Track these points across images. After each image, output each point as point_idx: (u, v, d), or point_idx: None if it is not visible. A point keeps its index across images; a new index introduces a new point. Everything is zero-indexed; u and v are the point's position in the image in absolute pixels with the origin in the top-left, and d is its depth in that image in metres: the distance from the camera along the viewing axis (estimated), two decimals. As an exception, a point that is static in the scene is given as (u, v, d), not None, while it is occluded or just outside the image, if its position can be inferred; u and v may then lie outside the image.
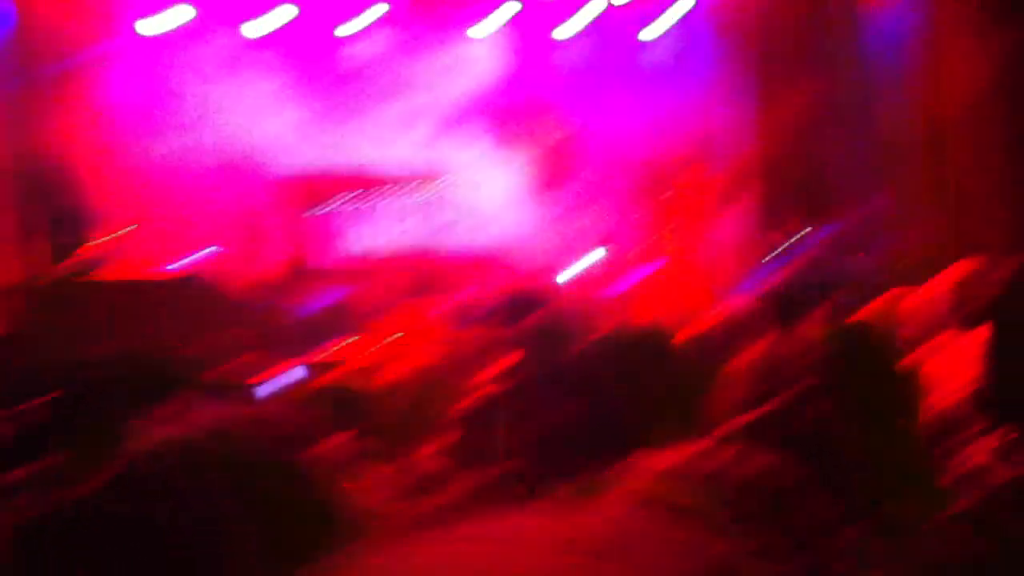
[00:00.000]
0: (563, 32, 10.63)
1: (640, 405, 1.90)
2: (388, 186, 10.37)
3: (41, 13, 8.53)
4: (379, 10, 10.14)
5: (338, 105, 10.12)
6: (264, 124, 9.75)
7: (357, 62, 10.35)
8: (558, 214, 10.50)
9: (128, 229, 9.30)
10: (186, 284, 7.17)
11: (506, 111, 10.57)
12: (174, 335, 5.20)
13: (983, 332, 1.38)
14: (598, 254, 9.62)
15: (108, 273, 8.38)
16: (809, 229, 9.74)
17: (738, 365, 2.47)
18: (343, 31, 10.25)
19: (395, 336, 8.09)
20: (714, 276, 8.62)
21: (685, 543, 0.65)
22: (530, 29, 10.67)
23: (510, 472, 2.08)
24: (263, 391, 3.47)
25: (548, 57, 10.75)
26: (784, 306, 2.32)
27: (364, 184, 10.32)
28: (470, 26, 10.38)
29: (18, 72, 8.80)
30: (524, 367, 2.36)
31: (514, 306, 2.81)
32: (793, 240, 9.74)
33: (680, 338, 2.77)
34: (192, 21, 9.81)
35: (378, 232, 10.61)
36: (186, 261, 8.37)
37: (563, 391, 2.00)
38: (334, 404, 2.77)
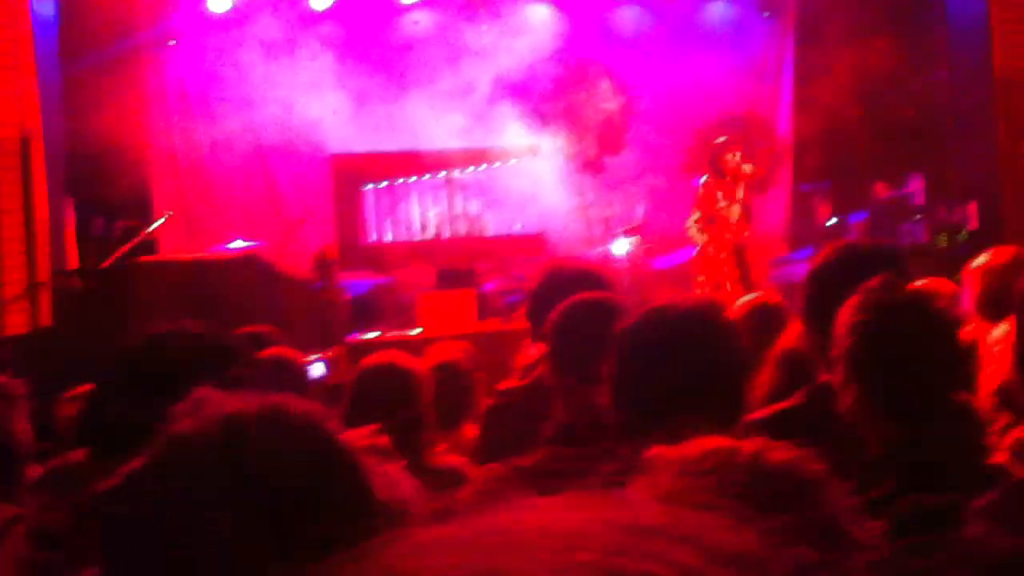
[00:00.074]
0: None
1: (687, 383, 1.87)
2: (439, 163, 10.37)
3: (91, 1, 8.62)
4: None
5: (392, 83, 10.14)
6: (319, 102, 9.80)
7: (411, 38, 10.36)
8: (606, 191, 10.45)
9: (181, 210, 9.44)
10: (245, 264, 7.25)
11: (557, 84, 10.51)
12: (233, 315, 5.26)
13: (1009, 326, 1.35)
14: (641, 233, 9.55)
15: (166, 254, 8.52)
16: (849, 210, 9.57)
17: (771, 352, 2.44)
18: (398, 3, 10.25)
19: (432, 321, 8.15)
20: (751, 258, 8.53)
21: (707, 536, 0.65)
22: (579, 2, 10.60)
23: (535, 464, 2.08)
24: (314, 371, 3.51)
25: (599, 26, 10.67)
26: (822, 290, 2.26)
27: (417, 161, 10.34)
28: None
29: (71, 57, 8.91)
30: (563, 345, 2.31)
31: (557, 282, 2.76)
32: (838, 220, 9.58)
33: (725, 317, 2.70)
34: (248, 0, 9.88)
35: (429, 210, 10.64)
36: (244, 241, 8.47)
37: (609, 370, 1.96)
38: (372, 388, 2.80)
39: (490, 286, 9.47)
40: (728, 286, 8.10)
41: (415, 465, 2.40)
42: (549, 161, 10.34)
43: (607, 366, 1.95)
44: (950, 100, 9.38)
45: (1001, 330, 1.96)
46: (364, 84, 10.08)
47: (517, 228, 10.54)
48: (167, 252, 8.72)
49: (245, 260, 7.39)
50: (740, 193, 8.43)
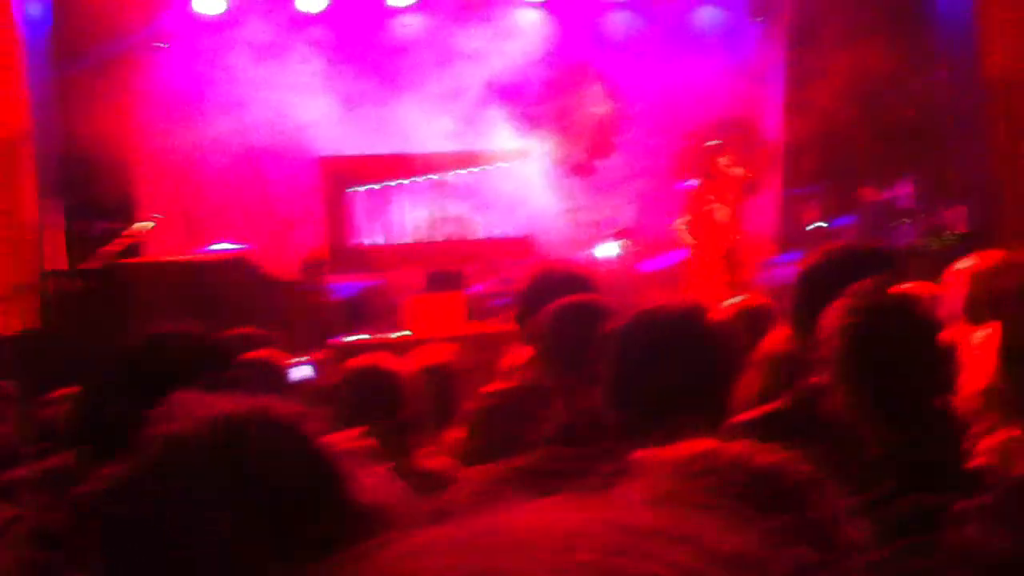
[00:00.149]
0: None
1: (676, 385, 1.87)
2: (429, 166, 10.37)
3: (82, 1, 8.59)
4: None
5: (381, 85, 10.14)
6: (309, 104, 9.79)
7: (401, 41, 10.36)
8: (595, 195, 10.46)
9: (171, 212, 9.41)
10: (234, 265, 7.24)
11: (547, 88, 10.53)
12: (222, 316, 5.25)
13: (993, 329, 1.37)
14: (630, 237, 9.58)
15: (155, 256, 8.50)
16: (837, 213, 9.60)
17: (758, 355, 2.45)
18: (388, 6, 10.27)
19: (421, 324, 8.15)
20: (741, 261, 8.56)
21: (707, 537, 0.65)
22: (571, 2, 10.62)
23: (532, 465, 2.08)
24: (299, 373, 3.51)
25: (590, 30, 10.70)
26: (810, 292, 2.27)
27: (406, 164, 10.34)
28: (513, 1, 10.35)
29: (62, 58, 8.88)
30: (555, 346, 2.32)
31: (546, 284, 2.76)
32: (822, 223, 9.62)
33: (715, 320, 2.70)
34: (238, 2, 9.87)
35: (418, 213, 10.64)
36: (232, 243, 8.45)
37: (600, 372, 1.97)
38: (359, 391, 2.80)
39: (478, 289, 9.48)
40: (717, 289, 8.12)
41: (402, 468, 2.39)
42: (538, 164, 10.35)
43: (598, 368, 1.96)
44: (944, 102, 9.42)
45: (983, 333, 1.97)
46: (354, 87, 10.07)
47: (506, 231, 10.55)
48: (156, 254, 8.70)
49: (234, 262, 7.39)
50: (731, 196, 8.46)
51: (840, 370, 1.92)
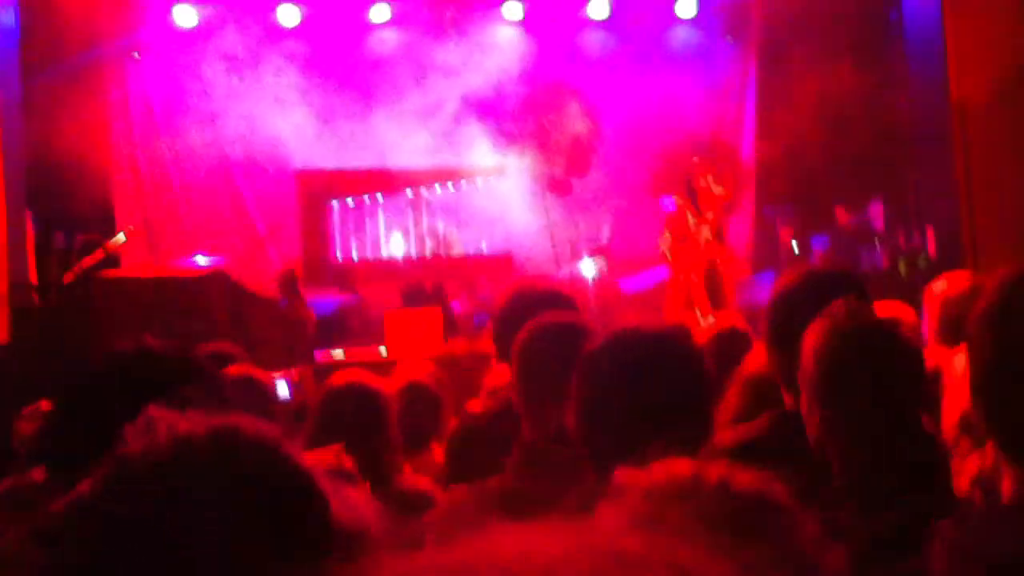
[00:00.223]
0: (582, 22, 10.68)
1: (651, 407, 1.86)
2: (406, 181, 10.36)
3: (55, 9, 8.53)
4: (399, 3, 10.18)
5: (359, 100, 10.14)
6: (286, 118, 9.78)
7: (378, 56, 10.37)
8: (572, 212, 10.50)
9: (144, 225, 9.34)
10: (209, 280, 7.19)
11: (525, 105, 10.57)
12: (196, 332, 5.21)
13: (966, 354, 1.38)
14: (607, 254, 9.62)
15: (129, 269, 8.42)
16: (816, 231, 9.69)
17: (736, 376, 2.45)
18: (365, 21, 10.29)
19: (399, 341, 8.12)
20: (719, 281, 8.61)
21: (687, 564, 0.66)
22: (548, 20, 10.68)
23: (502, 488, 2.07)
24: (278, 391, 3.48)
25: (567, 48, 10.76)
26: (786, 314, 2.28)
27: (384, 179, 10.32)
28: (491, 17, 10.41)
29: (33, 67, 8.80)
30: (529, 367, 2.30)
31: (523, 303, 2.75)
32: (800, 244, 9.70)
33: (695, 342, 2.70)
34: (214, 14, 9.84)
35: (395, 228, 10.62)
36: (208, 257, 8.39)
37: (572, 394, 1.96)
38: (338, 409, 2.78)
39: (456, 306, 9.46)
40: (697, 308, 8.16)
41: (381, 488, 2.38)
42: (516, 181, 10.37)
43: (571, 388, 1.95)
44: (911, 125, 9.54)
45: (963, 358, 1.99)
46: (331, 100, 10.06)
47: (483, 248, 10.55)
48: (129, 267, 8.62)
49: (210, 277, 7.34)
50: (711, 215, 8.51)
51: (816, 392, 1.92)
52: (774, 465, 1.31)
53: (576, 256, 9.67)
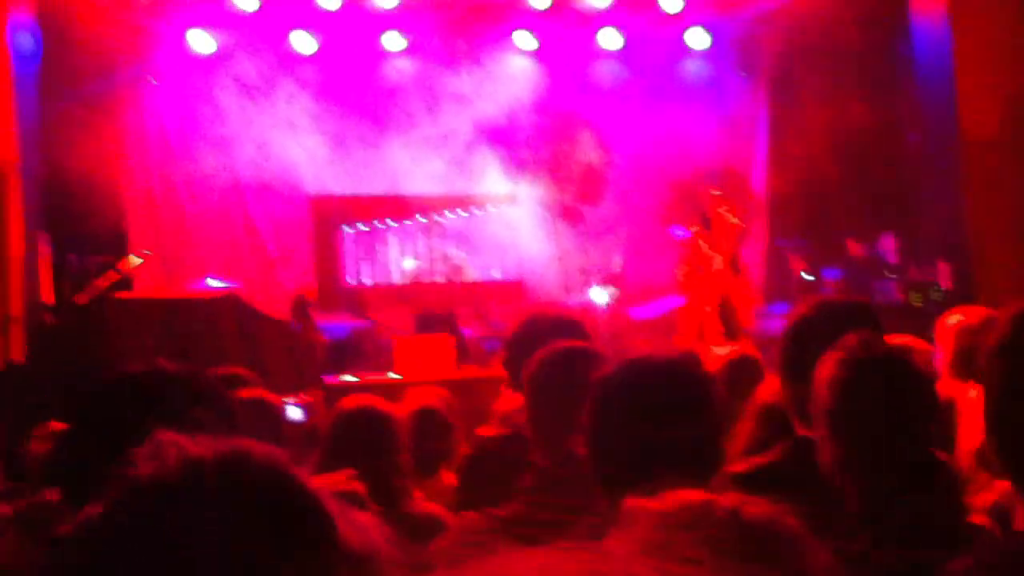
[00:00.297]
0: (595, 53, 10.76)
1: (661, 435, 1.85)
2: (419, 208, 10.41)
3: (73, 35, 8.63)
4: (413, 32, 10.27)
5: (373, 127, 10.21)
6: (300, 144, 9.84)
7: (391, 83, 10.45)
8: (583, 240, 10.52)
9: (157, 248, 9.39)
10: (223, 304, 7.21)
11: (537, 133, 10.63)
12: (209, 355, 5.22)
13: (980, 387, 1.37)
14: (618, 282, 9.63)
15: (142, 292, 8.46)
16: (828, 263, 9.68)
17: (750, 406, 2.44)
18: (379, 49, 10.38)
19: (410, 366, 8.12)
20: (732, 311, 8.61)
21: None
22: (561, 51, 10.76)
23: (513, 514, 2.06)
24: (290, 414, 3.48)
25: (580, 78, 10.83)
26: (799, 345, 2.27)
27: (396, 205, 10.37)
28: (504, 47, 10.50)
29: (53, 92, 8.89)
30: (539, 397, 2.30)
31: (535, 329, 2.76)
32: (808, 275, 9.68)
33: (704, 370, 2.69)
34: (229, 40, 9.95)
35: (407, 254, 10.65)
36: (220, 280, 8.42)
37: (583, 420, 1.95)
38: (350, 433, 2.78)
39: (468, 332, 9.47)
40: (710, 337, 8.15)
41: (391, 512, 2.37)
42: (528, 209, 10.41)
43: (583, 416, 1.94)
44: (920, 160, 9.55)
45: (978, 391, 1.98)
46: (345, 127, 10.14)
47: (495, 275, 10.57)
48: (142, 289, 8.65)
49: (223, 300, 7.36)
50: (726, 245, 8.54)
51: (830, 423, 1.92)
52: (787, 494, 1.31)
53: (587, 284, 9.68)
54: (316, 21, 10.18)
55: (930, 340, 2.97)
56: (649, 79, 10.84)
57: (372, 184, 10.32)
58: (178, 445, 1.01)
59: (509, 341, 2.95)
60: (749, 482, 2.03)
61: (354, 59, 10.46)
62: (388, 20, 10.26)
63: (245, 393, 2.99)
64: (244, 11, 9.88)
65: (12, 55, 8.17)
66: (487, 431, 2.94)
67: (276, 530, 0.97)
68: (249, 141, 9.94)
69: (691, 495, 1.30)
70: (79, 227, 8.99)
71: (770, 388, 2.41)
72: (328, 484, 1.79)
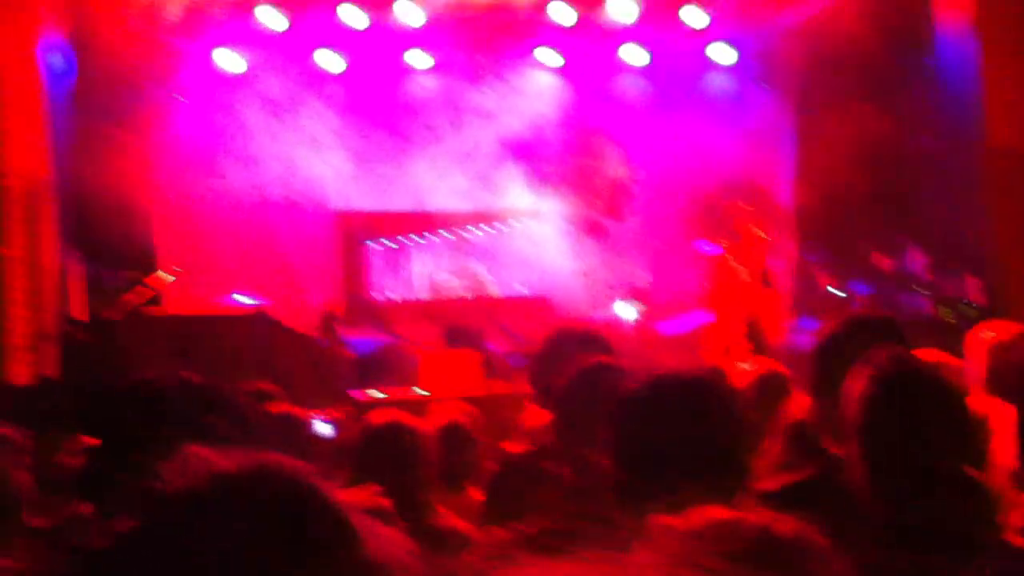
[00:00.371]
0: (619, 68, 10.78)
1: (686, 451, 1.85)
2: (444, 223, 10.45)
3: (104, 55, 8.75)
4: (438, 50, 10.33)
5: (398, 143, 10.27)
6: (326, 160, 9.91)
7: (416, 99, 10.51)
8: (609, 255, 10.51)
9: (185, 264, 9.47)
10: (252, 319, 7.27)
11: (562, 148, 10.65)
12: (238, 370, 5.26)
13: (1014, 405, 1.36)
14: (644, 298, 9.60)
15: (171, 307, 8.53)
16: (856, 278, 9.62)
17: (779, 422, 2.43)
18: (404, 65, 10.45)
19: (437, 381, 8.13)
20: (761, 326, 8.56)
21: None
22: (586, 66, 10.78)
23: (539, 528, 2.06)
24: (317, 429, 3.50)
25: (604, 93, 10.85)
26: (829, 362, 2.26)
27: (422, 221, 10.42)
28: (529, 63, 10.54)
29: (84, 110, 9.02)
30: (568, 412, 2.30)
31: (562, 345, 2.76)
32: (836, 289, 9.62)
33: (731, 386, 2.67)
34: (255, 58, 10.05)
35: (433, 269, 10.69)
36: (248, 296, 8.48)
37: (609, 435, 1.95)
38: (376, 448, 2.79)
39: (494, 347, 9.47)
40: (739, 354, 8.11)
41: (417, 527, 2.37)
42: (553, 224, 10.42)
43: (608, 431, 1.94)
44: (946, 172, 9.47)
45: (1008, 408, 1.96)
46: (371, 144, 10.21)
47: (521, 290, 10.57)
48: (171, 305, 8.73)
49: (252, 316, 7.42)
50: (755, 260, 8.50)
51: (862, 439, 1.90)
52: (816, 511, 1.30)
53: (612, 299, 9.66)
54: (342, 40, 10.26)
55: (959, 355, 2.94)
56: (673, 94, 10.84)
57: (397, 200, 10.37)
58: (206, 459, 1.02)
59: (535, 356, 2.95)
60: (778, 500, 2.01)
61: (379, 76, 10.53)
62: (413, 38, 10.32)
63: (274, 408, 3.00)
64: (272, 30, 9.98)
65: (45, 75, 8.30)
66: (513, 446, 2.94)
67: (303, 545, 0.98)
68: (276, 158, 10.03)
69: (719, 512, 1.29)
70: (111, 243, 9.09)
71: (799, 405, 2.40)
72: (354, 498, 1.79)
